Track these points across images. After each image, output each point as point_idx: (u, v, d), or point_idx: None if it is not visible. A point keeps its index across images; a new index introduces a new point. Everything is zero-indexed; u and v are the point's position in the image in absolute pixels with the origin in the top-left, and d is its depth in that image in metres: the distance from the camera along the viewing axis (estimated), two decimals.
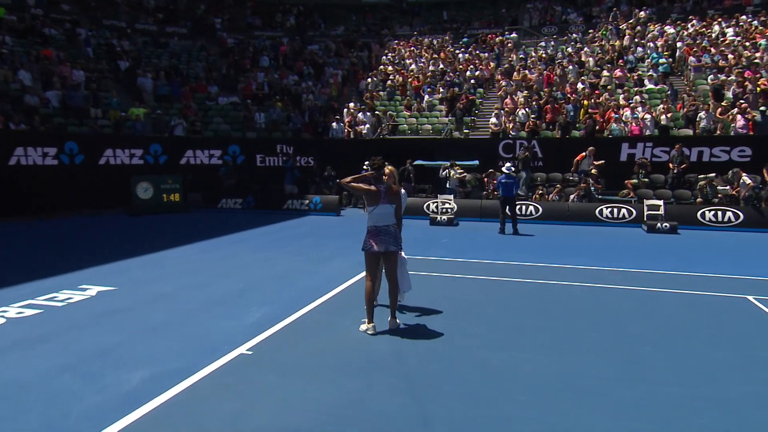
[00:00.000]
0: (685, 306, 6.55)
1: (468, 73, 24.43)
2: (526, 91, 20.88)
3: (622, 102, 18.62)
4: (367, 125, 20.99)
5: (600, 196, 15.21)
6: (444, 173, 16.51)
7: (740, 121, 16.04)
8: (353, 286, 7.27)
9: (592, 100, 19.06)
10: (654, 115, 17.64)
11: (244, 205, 17.33)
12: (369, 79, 25.01)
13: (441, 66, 25.62)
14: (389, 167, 6.17)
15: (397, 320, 5.79)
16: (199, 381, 4.39)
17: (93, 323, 5.79)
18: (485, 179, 16.64)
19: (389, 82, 24.89)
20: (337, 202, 16.76)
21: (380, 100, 23.46)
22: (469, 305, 6.43)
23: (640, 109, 17.85)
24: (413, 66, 26.40)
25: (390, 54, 28.79)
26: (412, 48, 28.97)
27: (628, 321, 5.98)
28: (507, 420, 3.71)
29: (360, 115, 21.45)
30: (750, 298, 6.70)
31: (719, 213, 13.27)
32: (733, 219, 13.06)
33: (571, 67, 22.72)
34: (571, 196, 15.34)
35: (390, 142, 20.03)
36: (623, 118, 17.61)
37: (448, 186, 16.42)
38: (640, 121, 17.24)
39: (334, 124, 20.84)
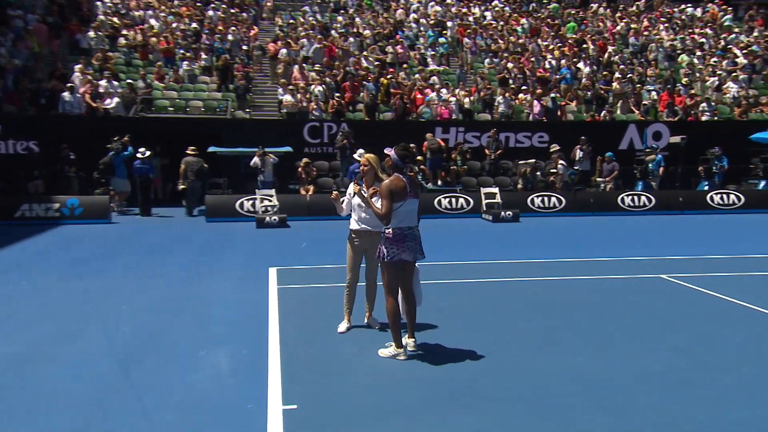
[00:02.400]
0: (637, 289, 8.52)
1: (230, 36, 24.09)
2: (317, 65, 21.91)
3: (421, 84, 21.38)
4: (116, 98, 18.81)
5: (430, 186, 17.36)
6: (255, 163, 16.23)
7: (537, 107, 20.45)
8: (287, 299, 7.44)
9: (392, 79, 21.34)
10: (458, 97, 20.90)
11: None
12: (92, 33, 22.23)
13: (194, 25, 24.56)
14: (367, 155, 6.31)
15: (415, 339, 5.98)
16: None
17: None
18: (301, 170, 17.02)
19: (123, 40, 22.65)
20: (107, 204, 14.79)
21: (114, 64, 21.18)
22: (448, 312, 7.03)
23: (444, 91, 20.88)
24: (153, 21, 24.55)
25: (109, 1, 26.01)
26: None
27: (608, 311, 7.36)
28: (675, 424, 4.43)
29: (103, 83, 19.03)
30: (664, 276, 9.11)
31: (545, 199, 16.82)
32: (557, 204, 16.77)
33: (352, 39, 24.73)
34: None
35: (152, 123, 18.47)
36: (430, 100, 20.32)
37: (262, 179, 16.22)
38: (447, 104, 20.19)
39: (66, 94, 17.97)
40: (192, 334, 6.40)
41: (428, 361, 5.54)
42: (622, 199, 17.10)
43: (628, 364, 5.49)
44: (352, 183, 6.32)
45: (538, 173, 17.79)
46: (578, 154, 18.40)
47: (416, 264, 5.88)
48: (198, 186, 16.60)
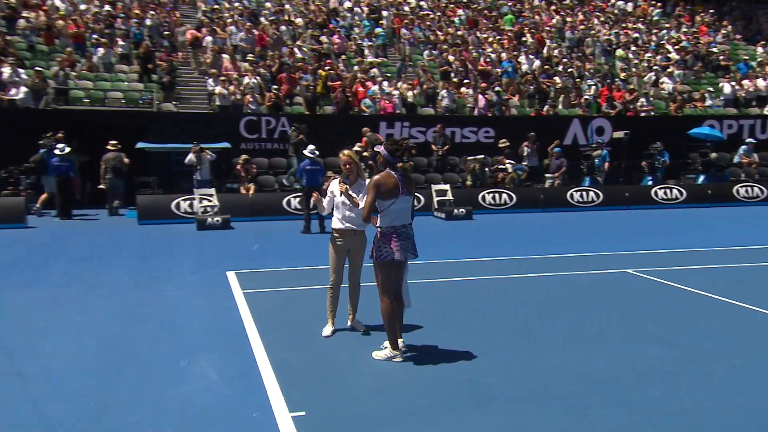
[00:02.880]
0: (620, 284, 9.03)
1: (148, 21, 23.37)
2: (249, 55, 21.61)
3: (361, 76, 21.53)
4: (23, 88, 17.85)
5: None
6: (190, 160, 15.86)
7: (481, 101, 21.06)
8: (257, 304, 7.47)
9: (331, 71, 21.37)
10: (400, 91, 21.20)
11: None
12: None
13: (106, 8, 23.63)
14: (348, 152, 6.42)
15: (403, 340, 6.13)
16: None
17: None
18: (240, 168, 16.78)
19: (23, 22, 21.49)
20: (22, 206, 14.04)
21: (16, 49, 20.08)
22: (427, 312, 7.21)
23: (386, 84, 21.12)
24: (58, 2, 23.41)
25: None
26: None
27: (585, 306, 7.93)
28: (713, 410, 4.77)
29: (7, 71, 17.99)
30: (629, 270, 9.70)
31: (497, 195, 17.41)
32: (508, 201, 17.43)
33: (284, 27, 24.58)
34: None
35: (66, 116, 17.68)
36: (372, 94, 20.51)
37: (198, 177, 15.87)
38: (391, 97, 20.44)
39: None
40: (165, 343, 6.27)
41: (424, 362, 5.69)
42: (572, 194, 17.92)
43: (623, 358, 5.84)
44: (335, 181, 6.45)
45: (487, 169, 18.34)
46: (525, 150, 19.10)
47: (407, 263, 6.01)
48: (119, 183, 16.06)
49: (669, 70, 25.00)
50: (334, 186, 6.44)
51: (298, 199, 15.33)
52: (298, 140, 16.76)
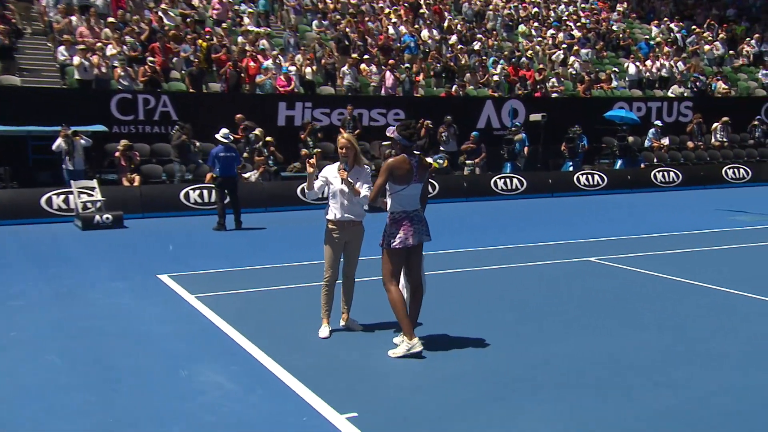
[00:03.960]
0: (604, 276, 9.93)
1: None
2: (110, 19, 20.72)
3: (250, 49, 21.39)
4: None
5: (280, 173, 17.69)
6: (59, 146, 15.11)
7: (389, 80, 21.71)
8: (221, 308, 7.56)
9: (211, 41, 21.05)
10: (297, 66, 21.35)
11: None
12: None
13: None
14: (346, 135, 6.72)
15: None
16: None
17: None
18: (120, 155, 16.22)
19: None
20: None
21: None
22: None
23: (281, 58, 21.17)
24: None
25: None
26: None
27: (567, 296, 8.74)
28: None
29: None
30: (592, 259, 10.73)
31: None
32: (431, 190, 17.98)
33: None
34: (250, 175, 17.13)
35: None
36: (266, 69, 20.47)
37: (70, 167, 15.16)
38: (289, 74, 20.54)
39: None
40: (145, 354, 6.25)
41: (442, 357, 6.11)
42: (495, 182, 19.08)
43: (632, 343, 6.60)
44: (332, 166, 6.65)
45: None
46: (443, 135, 20.00)
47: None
48: None
49: (575, 48, 27.01)
50: (330, 171, 6.63)
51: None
52: (180, 142, 16.54)
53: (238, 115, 18.19)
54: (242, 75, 20.22)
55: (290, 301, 8.24)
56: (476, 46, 25.76)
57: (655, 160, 22.89)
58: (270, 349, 6.26)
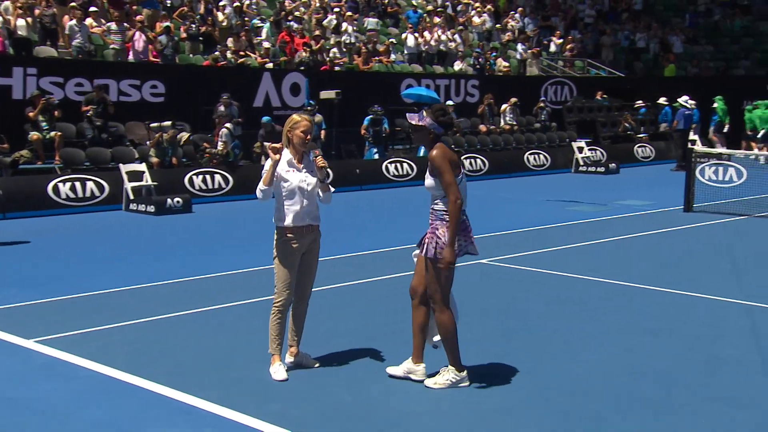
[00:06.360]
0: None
1: None
2: None
3: None
4: None
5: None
6: None
7: (139, 42, 20.10)
8: (96, 355, 6.97)
9: None
10: (5, 18, 18.89)
11: None
12: None
13: None
14: (308, 117, 6.58)
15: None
16: None
17: None
18: None
19: None
20: None
21: None
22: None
23: None
24: None
25: None
26: None
27: (507, 304, 9.04)
28: None
29: None
30: (483, 261, 10.92)
31: (208, 178, 17.61)
32: (222, 185, 17.84)
33: None
34: None
35: None
36: None
37: None
38: None
39: None
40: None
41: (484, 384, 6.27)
42: None
43: (637, 354, 7.22)
44: (285, 159, 6.39)
45: (184, 143, 18.07)
46: (226, 112, 19.05)
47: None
48: None
49: (348, 14, 27.38)
50: (280, 165, 6.38)
51: None
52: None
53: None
54: None
55: (179, 334, 7.82)
56: (236, 3, 24.93)
57: (452, 145, 23.95)
58: (232, 402, 5.90)
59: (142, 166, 16.34)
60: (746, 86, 32.22)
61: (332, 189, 6.55)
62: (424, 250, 6.05)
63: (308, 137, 6.38)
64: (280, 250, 6.40)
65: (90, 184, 15.76)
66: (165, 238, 13.47)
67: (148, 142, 17.97)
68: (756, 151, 25.65)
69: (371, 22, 28.66)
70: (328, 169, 6.47)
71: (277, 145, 6.35)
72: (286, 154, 6.35)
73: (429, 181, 6.02)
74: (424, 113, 6.08)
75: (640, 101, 31.67)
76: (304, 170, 6.35)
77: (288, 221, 6.36)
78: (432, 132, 6.06)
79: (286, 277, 6.41)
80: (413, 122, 6.11)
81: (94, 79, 18.60)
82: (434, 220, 6.02)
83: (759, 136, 27.10)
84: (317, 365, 6.70)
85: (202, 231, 14.34)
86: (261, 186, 6.33)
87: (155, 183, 16.21)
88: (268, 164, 6.36)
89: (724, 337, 7.74)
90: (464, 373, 6.11)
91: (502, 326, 8.09)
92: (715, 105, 28.37)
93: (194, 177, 17.36)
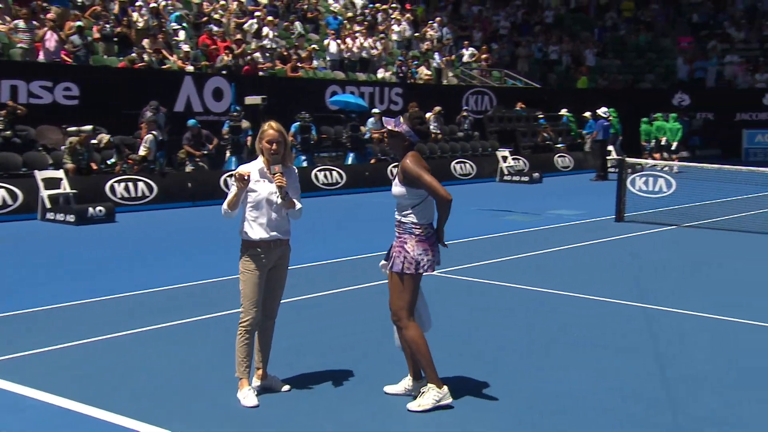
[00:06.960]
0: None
1: None
2: None
3: None
4: None
5: None
6: None
7: (51, 41, 19.01)
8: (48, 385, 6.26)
9: None
10: None
11: None
12: None
13: None
14: (275, 125, 6.11)
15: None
16: None
17: None
18: None
19: None
20: None
21: None
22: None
23: None
24: None
25: None
26: None
27: (471, 319, 8.53)
28: None
29: None
30: (436, 273, 10.43)
31: (131, 186, 16.89)
32: (147, 193, 17.10)
33: None
34: None
35: None
36: None
37: None
38: None
39: None
40: None
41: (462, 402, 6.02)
42: (226, 182, 18.05)
43: (626, 368, 6.97)
44: (247, 166, 6.15)
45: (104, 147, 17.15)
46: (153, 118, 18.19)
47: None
48: None
49: (269, 18, 26.72)
50: (251, 176, 5.99)
51: None
52: None
53: None
54: None
55: (129, 356, 7.16)
56: (152, 3, 23.95)
57: (379, 154, 23.61)
58: None
59: (60, 173, 15.58)
60: (651, 99, 33.42)
61: (298, 205, 6.09)
62: (390, 265, 5.90)
63: (274, 147, 5.96)
64: (246, 266, 6.07)
65: (1, 192, 14.93)
66: (90, 250, 12.70)
67: (62, 147, 16.96)
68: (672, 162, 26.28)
69: (297, 27, 28.12)
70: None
71: (245, 173, 5.96)
72: (259, 163, 6.04)
73: (398, 189, 5.87)
74: (401, 119, 6.05)
75: (564, 109, 32.20)
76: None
77: (254, 234, 6.03)
78: (407, 140, 5.98)
79: (252, 295, 6.06)
80: (389, 127, 6.02)
81: (2, 80, 17.69)
82: (402, 233, 5.88)
83: (673, 148, 27.87)
84: (287, 388, 6.30)
85: (129, 242, 13.60)
86: (225, 207, 6.00)
87: (74, 191, 15.48)
88: (233, 190, 6.01)
89: (689, 351, 7.54)
90: (445, 389, 5.89)
91: (465, 342, 7.78)
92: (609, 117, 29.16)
93: (116, 185, 16.60)
